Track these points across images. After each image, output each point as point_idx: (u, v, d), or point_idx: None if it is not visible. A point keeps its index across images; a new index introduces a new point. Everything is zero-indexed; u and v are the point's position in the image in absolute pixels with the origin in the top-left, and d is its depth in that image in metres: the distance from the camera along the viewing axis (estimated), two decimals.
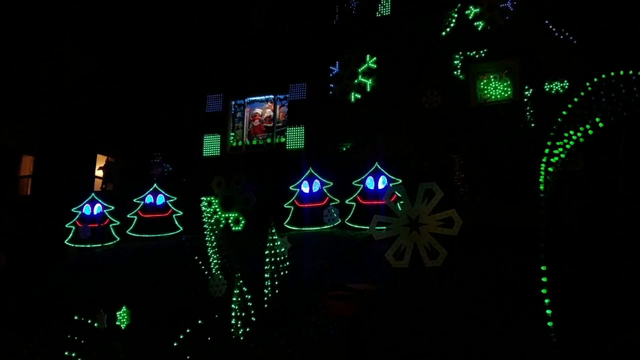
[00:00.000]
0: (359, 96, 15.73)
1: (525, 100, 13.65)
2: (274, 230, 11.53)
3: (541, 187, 9.25)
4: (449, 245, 10.28)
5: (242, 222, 14.08)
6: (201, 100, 17.54)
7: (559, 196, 9.10)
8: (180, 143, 17.50)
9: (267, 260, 11.35)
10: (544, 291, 8.35)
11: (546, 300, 8.38)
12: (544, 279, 8.36)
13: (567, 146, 9.07)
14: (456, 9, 14.93)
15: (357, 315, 10.11)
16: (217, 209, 13.88)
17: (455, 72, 14.51)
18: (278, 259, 11.46)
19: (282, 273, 11.48)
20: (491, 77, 14.42)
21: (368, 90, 15.71)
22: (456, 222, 10.35)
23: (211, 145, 17.22)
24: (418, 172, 12.72)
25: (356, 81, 15.84)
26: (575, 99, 9.34)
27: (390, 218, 10.90)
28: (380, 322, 10.13)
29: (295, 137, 16.33)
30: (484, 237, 10.87)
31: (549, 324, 8.37)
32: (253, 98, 17.48)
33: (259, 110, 17.47)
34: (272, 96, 17.31)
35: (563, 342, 8.35)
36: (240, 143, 17.30)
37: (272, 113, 17.26)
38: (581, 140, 8.97)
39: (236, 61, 17.55)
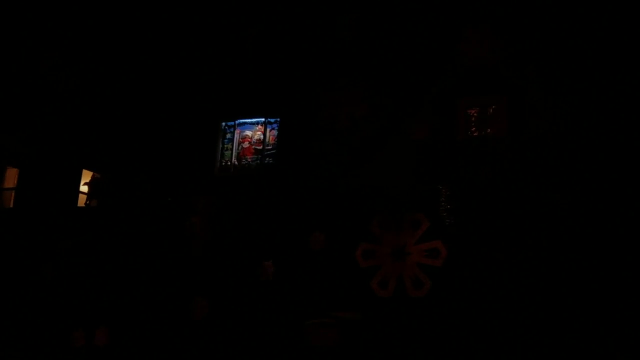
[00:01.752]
0: (346, 124, 15.78)
1: (513, 135, 13.80)
2: None
3: None
4: (433, 276, 10.30)
5: None
6: (190, 121, 17.52)
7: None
8: (168, 162, 17.40)
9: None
10: None
11: None
12: None
13: None
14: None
15: (341, 344, 10.05)
16: None
17: (443, 104, 14.64)
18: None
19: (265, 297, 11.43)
20: (479, 110, 14.55)
21: (355, 119, 15.77)
22: (441, 253, 10.40)
23: None
24: (405, 201, 12.76)
25: (343, 110, 15.91)
26: None
27: (376, 246, 10.92)
28: (364, 351, 10.08)
29: None
30: (467, 268, 10.89)
31: None
32: (243, 120, 17.53)
33: (249, 133, 17.51)
34: (262, 119, 17.37)
35: None
36: (229, 164, 17.29)
37: (262, 136, 17.29)
38: None
39: (228, 82, 17.57)
